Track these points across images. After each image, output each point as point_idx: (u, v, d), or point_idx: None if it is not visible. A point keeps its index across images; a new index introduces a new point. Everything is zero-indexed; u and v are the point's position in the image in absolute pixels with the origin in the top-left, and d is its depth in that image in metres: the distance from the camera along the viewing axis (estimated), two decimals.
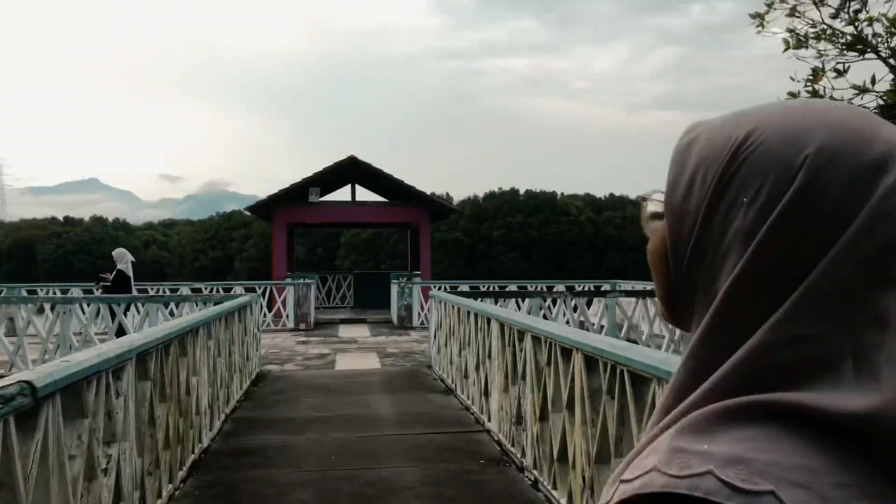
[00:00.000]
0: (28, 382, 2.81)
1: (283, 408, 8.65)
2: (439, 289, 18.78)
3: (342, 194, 23.69)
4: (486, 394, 7.56)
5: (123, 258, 13.06)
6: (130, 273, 12.99)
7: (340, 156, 21.33)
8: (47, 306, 12.79)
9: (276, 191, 21.53)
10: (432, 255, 22.82)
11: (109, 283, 12.91)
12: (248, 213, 28.81)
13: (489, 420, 7.38)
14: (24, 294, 17.64)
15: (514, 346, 6.44)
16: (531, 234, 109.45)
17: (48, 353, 11.06)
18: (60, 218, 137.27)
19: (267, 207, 21.98)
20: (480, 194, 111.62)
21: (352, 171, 21.99)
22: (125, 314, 11.90)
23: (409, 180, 21.92)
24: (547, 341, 5.41)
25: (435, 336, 11.59)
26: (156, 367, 5.05)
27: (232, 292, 17.45)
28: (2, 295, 17.00)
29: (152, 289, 18.87)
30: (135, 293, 13.48)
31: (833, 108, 0.58)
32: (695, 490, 0.49)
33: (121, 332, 11.16)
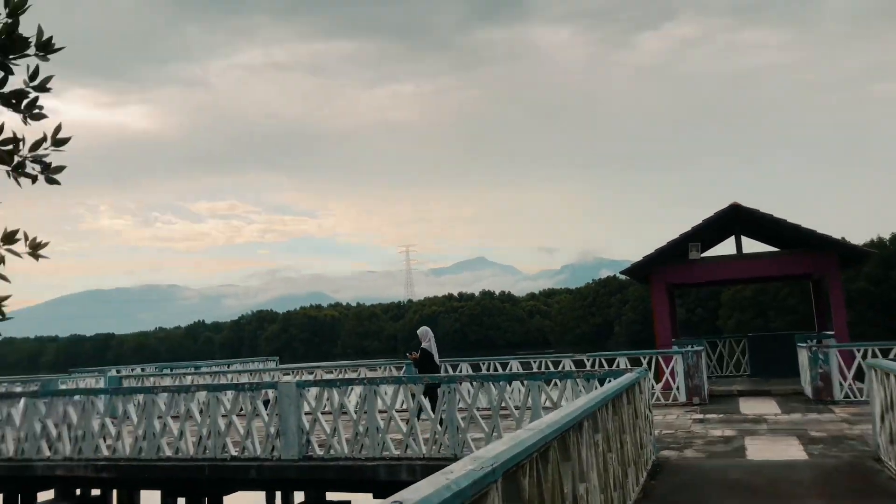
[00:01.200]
0: None
1: None
2: (868, 354, 15.30)
3: (725, 248, 21.28)
4: None
5: (426, 336, 13.84)
6: (434, 350, 13.72)
7: (713, 208, 19.18)
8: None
9: (650, 251, 19.98)
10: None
11: (414, 361, 13.82)
12: (623, 276, 27.57)
13: None
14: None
15: None
16: None
17: (359, 435, 10.96)
18: (456, 294, 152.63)
19: (643, 269, 20.45)
20: (885, 236, 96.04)
21: (735, 220, 19.55)
22: (435, 392, 11.43)
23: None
24: None
25: (883, 419, 8.83)
26: (531, 483, 3.85)
27: (615, 365, 16.18)
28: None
29: (535, 362, 18.46)
30: (442, 370, 14.71)
31: None
32: None
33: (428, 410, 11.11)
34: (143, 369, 26.11)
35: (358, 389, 11.82)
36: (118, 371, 24.87)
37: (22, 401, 13.69)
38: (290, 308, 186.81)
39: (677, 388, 16.47)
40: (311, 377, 18.86)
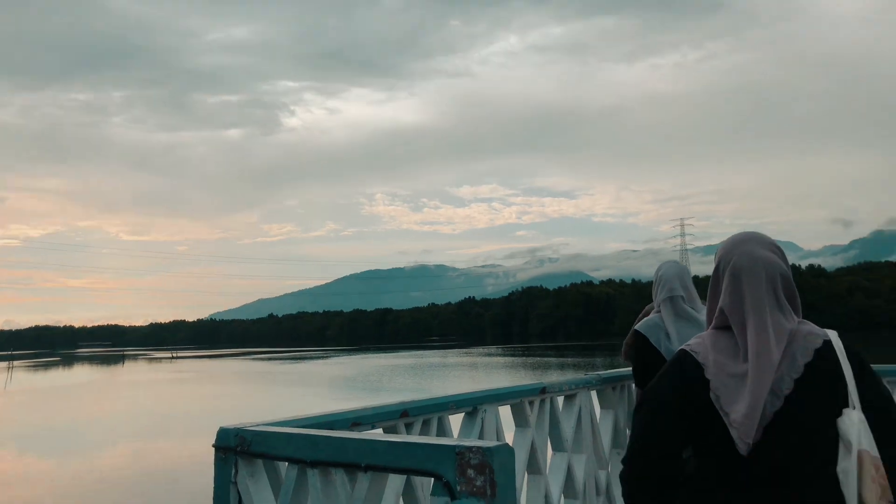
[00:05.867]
0: None
1: None
2: None
3: None
4: None
5: (666, 287, 4.93)
6: (671, 330, 4.29)
7: None
8: None
9: None
10: None
11: None
12: None
13: None
14: None
15: None
16: None
17: None
18: None
19: None
20: None
21: None
22: None
23: None
24: None
25: None
26: None
27: None
28: None
29: None
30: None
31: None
32: (686, 346, 1.99)
33: None
34: None
35: None
36: None
37: None
38: (551, 287, 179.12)
39: None
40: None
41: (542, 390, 4.00)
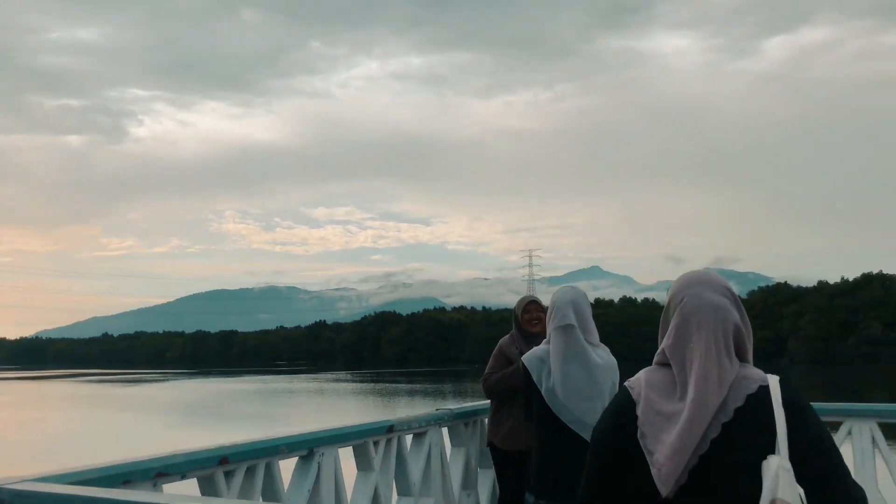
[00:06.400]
0: None
1: None
2: None
3: None
4: None
5: (558, 314, 4.47)
6: (558, 358, 4.13)
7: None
8: None
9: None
10: None
11: None
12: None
13: None
14: None
15: None
16: None
17: None
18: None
19: None
20: None
21: None
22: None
23: None
24: None
25: None
26: None
27: None
28: None
29: None
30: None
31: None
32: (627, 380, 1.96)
33: None
34: None
35: None
36: None
37: None
38: (404, 312, 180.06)
39: None
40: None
41: (390, 429, 3.59)
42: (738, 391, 1.83)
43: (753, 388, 1.84)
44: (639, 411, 1.86)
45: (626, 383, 1.97)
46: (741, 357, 1.92)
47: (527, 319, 4.61)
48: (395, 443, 3.67)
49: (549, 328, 3.63)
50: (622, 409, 1.91)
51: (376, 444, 3.55)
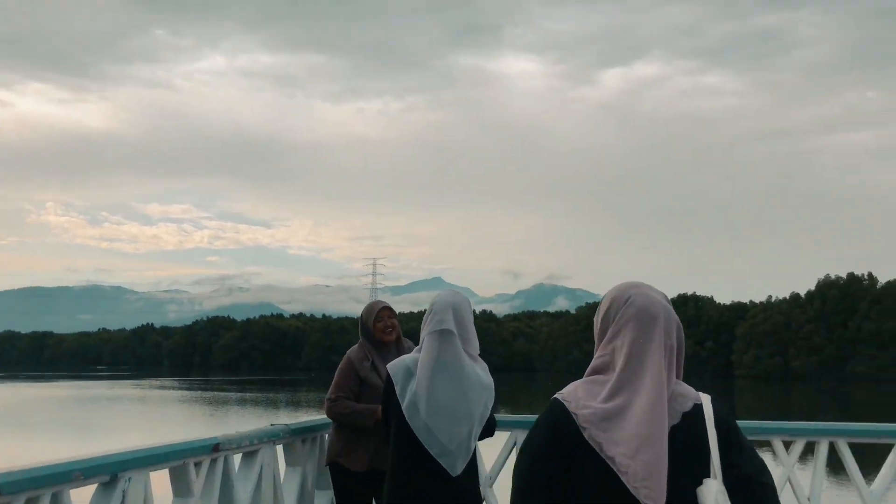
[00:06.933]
0: None
1: None
2: None
3: None
4: None
5: (436, 318, 3.66)
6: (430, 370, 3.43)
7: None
8: None
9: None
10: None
11: None
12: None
13: None
14: None
15: None
16: None
17: None
18: (406, 313, 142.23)
19: None
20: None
21: None
22: None
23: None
24: None
25: None
26: None
27: None
28: None
29: None
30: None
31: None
32: (558, 393, 1.83)
33: None
34: None
35: None
36: None
37: None
38: (238, 317, 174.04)
39: None
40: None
41: (215, 447, 3.11)
42: (675, 409, 1.78)
43: (689, 406, 1.80)
44: (582, 422, 1.74)
45: (557, 396, 1.83)
46: (677, 368, 1.87)
47: (379, 328, 4.01)
48: (220, 464, 3.18)
49: (423, 333, 3.17)
50: (556, 423, 1.78)
51: (198, 465, 3.05)
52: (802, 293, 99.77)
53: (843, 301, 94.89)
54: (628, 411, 1.71)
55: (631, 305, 1.84)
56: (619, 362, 1.78)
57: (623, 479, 1.66)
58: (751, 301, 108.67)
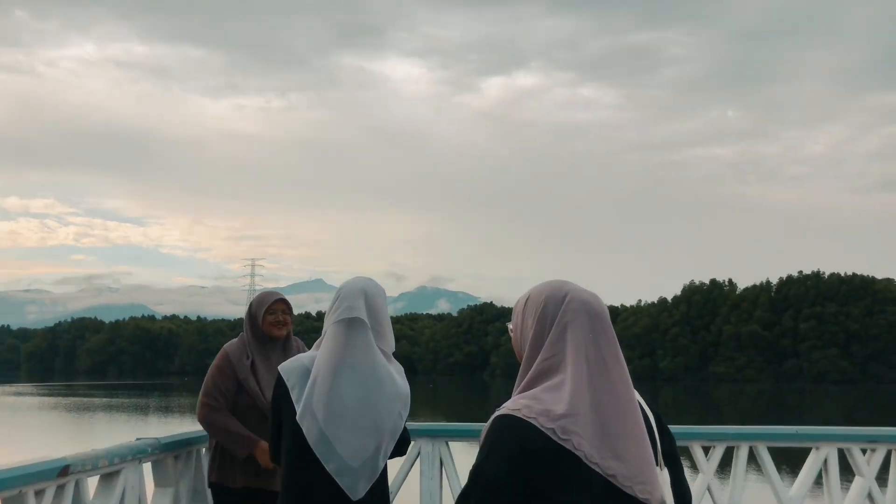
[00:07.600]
0: None
1: None
2: None
3: None
4: None
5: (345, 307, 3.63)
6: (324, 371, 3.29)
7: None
8: None
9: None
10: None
11: None
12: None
13: None
14: None
15: None
16: (851, 326, 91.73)
17: None
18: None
19: None
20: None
21: None
22: None
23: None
24: None
25: None
26: None
27: None
28: None
29: None
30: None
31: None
32: (505, 410, 1.61)
33: None
34: None
35: None
36: None
37: None
38: (106, 319, 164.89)
39: None
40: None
41: (64, 470, 2.56)
42: None
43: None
44: (559, 431, 1.58)
45: (504, 412, 1.63)
46: None
47: (270, 321, 3.45)
48: (70, 490, 2.62)
49: (327, 323, 2.61)
50: (518, 442, 1.58)
51: (40, 494, 2.50)
52: (669, 298, 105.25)
53: (706, 305, 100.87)
54: (603, 410, 1.61)
55: (572, 301, 1.73)
56: (574, 361, 1.65)
57: (614, 481, 1.57)
58: (622, 304, 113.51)
